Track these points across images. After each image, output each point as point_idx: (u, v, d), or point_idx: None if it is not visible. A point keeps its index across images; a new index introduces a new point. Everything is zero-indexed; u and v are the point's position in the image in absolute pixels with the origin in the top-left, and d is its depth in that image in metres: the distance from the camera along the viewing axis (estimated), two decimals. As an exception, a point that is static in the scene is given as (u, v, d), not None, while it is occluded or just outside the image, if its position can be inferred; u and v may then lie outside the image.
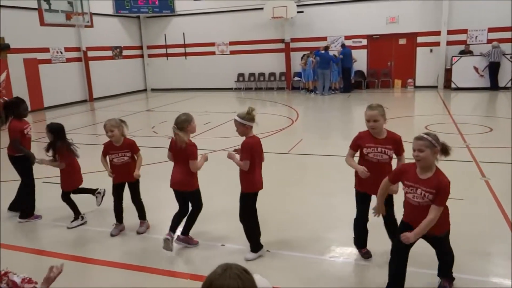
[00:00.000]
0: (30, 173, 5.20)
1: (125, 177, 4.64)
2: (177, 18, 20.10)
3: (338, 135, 10.31)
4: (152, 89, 21.24)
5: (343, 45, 17.05)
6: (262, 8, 17.75)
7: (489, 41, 15.64)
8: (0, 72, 13.80)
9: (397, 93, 16.75)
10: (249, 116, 4.07)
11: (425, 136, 2.99)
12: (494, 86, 15.16)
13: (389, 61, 17.65)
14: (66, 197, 4.95)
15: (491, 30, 15.80)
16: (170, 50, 20.63)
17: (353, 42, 17.67)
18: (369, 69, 17.88)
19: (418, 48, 17.07)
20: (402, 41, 17.31)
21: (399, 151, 3.77)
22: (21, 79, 14.61)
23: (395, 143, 3.75)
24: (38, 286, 2.08)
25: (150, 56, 21.11)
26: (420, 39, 16.91)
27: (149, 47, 21.02)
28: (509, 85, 15.21)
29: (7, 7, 13.86)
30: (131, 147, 4.62)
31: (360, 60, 17.56)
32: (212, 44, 19.79)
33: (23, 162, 5.07)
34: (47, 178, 6.18)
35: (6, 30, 13.93)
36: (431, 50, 16.82)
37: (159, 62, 20.97)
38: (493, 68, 15.10)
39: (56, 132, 4.81)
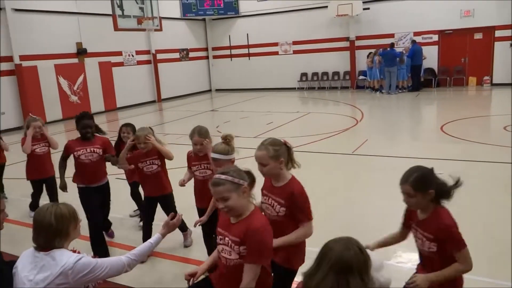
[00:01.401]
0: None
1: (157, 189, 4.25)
2: (241, 19, 20.38)
3: (406, 135, 9.85)
4: (217, 90, 21.72)
5: (413, 42, 16.29)
6: (326, 7, 17.46)
7: None
8: (78, 75, 14.87)
9: (472, 91, 15.68)
10: (232, 147, 3.33)
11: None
12: None
13: (463, 57, 16.56)
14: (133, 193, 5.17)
15: None
16: (234, 51, 20.98)
17: (423, 38, 16.79)
18: (440, 66, 16.90)
19: (496, 43, 15.83)
20: (478, 36, 16.16)
21: (295, 214, 2.61)
22: (96, 81, 15.60)
23: (289, 198, 2.60)
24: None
25: (214, 57, 21.61)
26: (498, 33, 15.67)
27: (214, 49, 21.52)
28: None
29: (84, 14, 14.86)
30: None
31: (430, 57, 16.65)
32: (275, 44, 19.82)
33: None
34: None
35: (83, 35, 14.94)
36: (511, 45, 15.53)
37: (223, 63, 21.39)
38: None
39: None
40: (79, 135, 4.36)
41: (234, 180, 2.22)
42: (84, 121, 4.29)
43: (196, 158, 3.84)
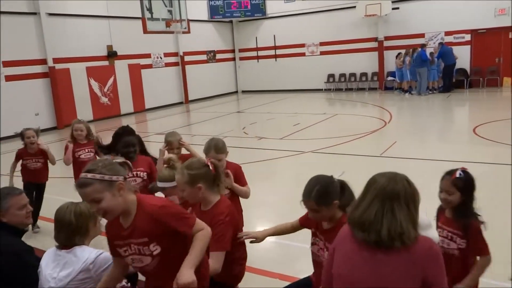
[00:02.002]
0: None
1: None
2: (268, 21, 20.39)
3: (436, 137, 9.59)
4: (243, 91, 21.80)
5: (440, 44, 15.87)
6: (354, 7, 17.25)
7: None
8: (108, 77, 15.22)
9: (506, 92, 15.12)
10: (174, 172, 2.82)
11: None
12: None
13: (497, 57, 16.01)
14: None
15: None
16: (260, 53, 21.00)
17: (454, 38, 16.34)
18: (473, 66, 16.40)
19: (532, 42, 15.26)
20: (513, 35, 15.60)
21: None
22: (126, 83, 15.91)
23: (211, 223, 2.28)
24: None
25: (241, 59, 21.69)
26: (535, 32, 15.10)
27: (240, 50, 21.61)
28: None
29: (115, 17, 15.21)
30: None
31: (462, 57, 16.17)
32: (302, 45, 19.73)
33: None
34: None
35: (114, 38, 15.29)
36: (548, 44, 14.93)
37: (249, 65, 21.45)
38: None
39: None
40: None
41: (105, 178, 1.86)
42: (125, 138, 3.61)
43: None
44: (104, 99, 15.18)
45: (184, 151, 3.90)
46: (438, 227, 2.57)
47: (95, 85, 14.84)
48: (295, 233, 2.78)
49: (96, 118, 14.56)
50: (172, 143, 3.79)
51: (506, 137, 8.25)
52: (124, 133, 3.69)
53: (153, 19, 14.96)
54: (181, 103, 18.54)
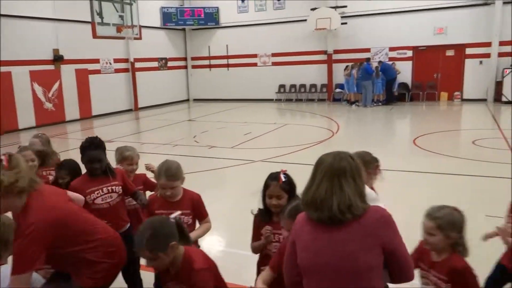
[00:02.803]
0: None
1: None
2: (221, 30, 20.51)
3: (379, 148, 10.06)
4: (195, 100, 21.70)
5: (380, 62, 16.74)
6: (305, 20, 17.79)
7: (545, 52, 14.84)
8: (53, 82, 14.63)
9: (443, 106, 16.18)
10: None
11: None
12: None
13: (436, 73, 17.11)
14: None
15: (547, 41, 15.00)
16: (213, 62, 21.06)
17: (398, 53, 17.29)
18: (414, 81, 17.41)
19: (466, 60, 16.44)
20: (450, 53, 16.74)
21: None
22: (72, 88, 15.37)
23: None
24: None
25: (193, 67, 21.63)
26: (469, 51, 16.29)
27: (193, 59, 21.55)
28: None
29: (62, 20, 14.70)
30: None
31: (405, 72, 17.14)
32: (255, 56, 20.01)
33: None
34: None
35: (61, 42, 14.76)
36: (480, 62, 16.15)
37: (202, 73, 21.43)
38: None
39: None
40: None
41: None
42: (91, 152, 3.11)
43: (163, 204, 2.93)
44: (48, 105, 14.57)
45: (140, 170, 3.73)
46: None
47: (39, 90, 14.21)
48: (243, 241, 2.82)
49: (39, 124, 13.93)
50: (133, 157, 3.57)
51: (443, 148, 8.83)
52: (91, 146, 3.13)
53: (104, 24, 14.56)
54: (130, 110, 18.15)
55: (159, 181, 2.85)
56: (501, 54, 15.64)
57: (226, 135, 11.74)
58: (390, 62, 16.94)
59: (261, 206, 2.65)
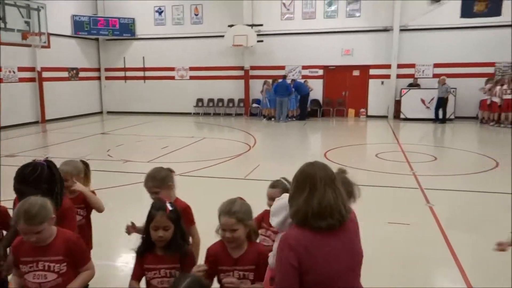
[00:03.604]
0: None
1: None
2: (137, 42, 20.06)
3: (294, 161, 10.50)
4: (108, 112, 20.86)
5: (293, 81, 17.63)
6: (223, 36, 18.10)
7: (435, 75, 16.72)
8: None
9: (351, 121, 17.42)
10: None
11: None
12: (437, 118, 15.98)
13: (344, 91, 18.39)
14: None
15: (436, 65, 16.93)
16: (128, 73, 20.47)
17: (310, 72, 18.31)
18: (325, 98, 18.53)
19: (370, 80, 17.94)
20: (356, 73, 18.14)
21: None
22: (-32, 98, 13.98)
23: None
24: None
25: (107, 78, 20.82)
26: (372, 71, 17.80)
27: (107, 70, 20.75)
28: (452, 117, 16.20)
29: (-43, 23, 13.35)
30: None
31: (316, 89, 18.20)
32: (172, 69, 19.85)
33: None
34: None
35: (-46, 47, 13.38)
36: (382, 82, 17.73)
37: (116, 85, 20.70)
38: (441, 103, 15.81)
39: None
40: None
41: None
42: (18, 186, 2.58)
43: (30, 250, 2.38)
44: None
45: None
46: None
47: None
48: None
49: None
50: (67, 173, 3.03)
51: (350, 160, 9.50)
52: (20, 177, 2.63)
53: (7, 29, 13.48)
54: (36, 122, 16.92)
55: (18, 225, 2.26)
56: (399, 76, 17.33)
57: (142, 149, 11.46)
58: (303, 80, 17.92)
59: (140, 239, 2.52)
